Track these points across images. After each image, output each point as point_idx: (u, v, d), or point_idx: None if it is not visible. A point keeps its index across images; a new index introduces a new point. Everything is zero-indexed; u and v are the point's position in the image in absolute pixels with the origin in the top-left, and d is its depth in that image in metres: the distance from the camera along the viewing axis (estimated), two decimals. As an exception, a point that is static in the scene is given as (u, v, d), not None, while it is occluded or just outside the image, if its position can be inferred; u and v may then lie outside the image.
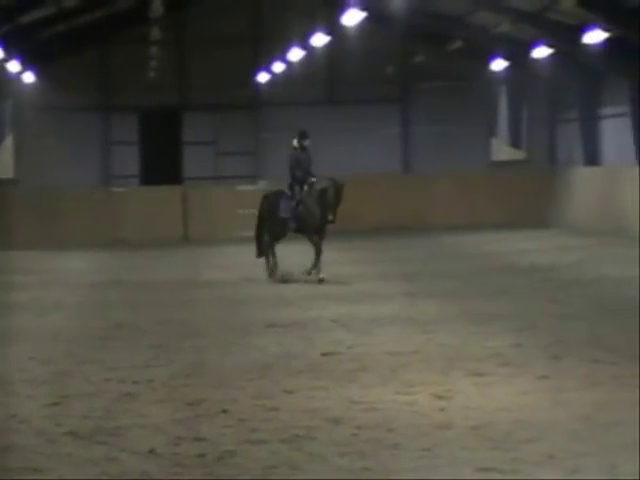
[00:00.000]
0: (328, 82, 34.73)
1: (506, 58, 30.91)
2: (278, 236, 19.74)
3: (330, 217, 18.70)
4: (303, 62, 31.78)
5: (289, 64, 32.32)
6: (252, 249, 28.44)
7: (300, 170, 19.20)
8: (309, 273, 19.02)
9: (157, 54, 33.16)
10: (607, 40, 24.90)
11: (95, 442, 8.20)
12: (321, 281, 18.58)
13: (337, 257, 25.10)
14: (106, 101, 34.16)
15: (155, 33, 30.97)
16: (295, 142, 19.39)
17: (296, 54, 31.10)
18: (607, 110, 29.82)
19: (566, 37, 26.80)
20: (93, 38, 33.13)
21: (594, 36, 24.71)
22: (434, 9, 31.26)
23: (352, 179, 33.29)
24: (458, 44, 31.38)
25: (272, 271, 19.65)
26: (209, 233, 31.77)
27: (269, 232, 19.77)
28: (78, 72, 33.62)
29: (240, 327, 14.08)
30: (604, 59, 27.08)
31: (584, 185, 30.45)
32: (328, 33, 28.14)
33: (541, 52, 28.37)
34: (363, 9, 23.45)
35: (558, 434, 7.95)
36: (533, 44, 28.27)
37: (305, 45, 30.08)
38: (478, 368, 10.60)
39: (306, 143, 19.29)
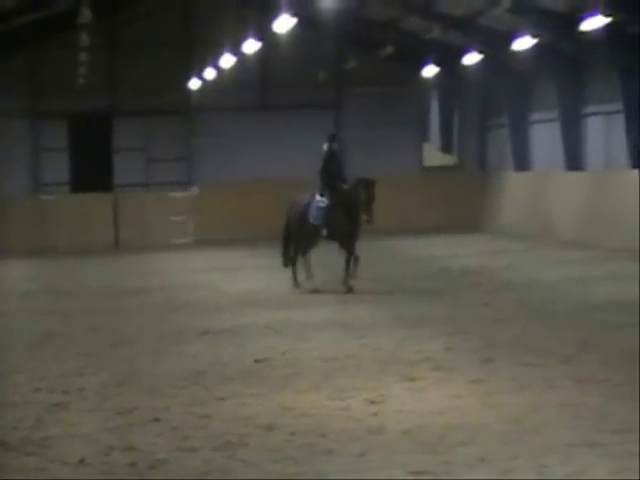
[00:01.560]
0: (260, 88, 34.70)
1: (437, 64, 31.12)
2: (309, 244, 18.55)
3: (366, 217, 17.61)
4: (235, 68, 31.72)
5: (221, 70, 32.24)
6: (184, 255, 28.43)
7: (330, 175, 18.14)
8: (348, 282, 17.75)
9: (87, 59, 32.84)
10: (536, 46, 25.19)
11: (25, 453, 8.08)
12: (349, 290, 17.47)
13: (271, 263, 25.08)
14: (35, 107, 33.78)
15: (85, 38, 30.69)
16: (325, 146, 18.45)
17: (228, 60, 31.03)
18: (537, 115, 30.15)
19: (496, 43, 27.06)
20: (21, 43, 32.75)
21: (524, 42, 24.98)
22: (365, 15, 31.39)
23: (286, 184, 33.39)
24: (390, 50, 31.53)
25: (296, 280, 18.44)
26: (141, 240, 31.56)
27: (298, 240, 18.58)
28: (6, 77, 33.20)
29: (172, 334, 13.99)
30: (534, 65, 27.39)
31: (514, 190, 30.75)
32: (260, 39, 28.10)
33: (472, 58, 28.60)
34: (294, 15, 23.44)
35: (489, 437, 8.00)
36: (464, 50, 28.49)
37: (237, 51, 30.02)
38: (410, 372, 10.65)
39: (335, 147, 18.38)
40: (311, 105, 34.40)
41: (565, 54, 26.47)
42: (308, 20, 29.90)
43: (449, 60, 30.31)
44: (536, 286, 17.63)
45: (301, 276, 18.48)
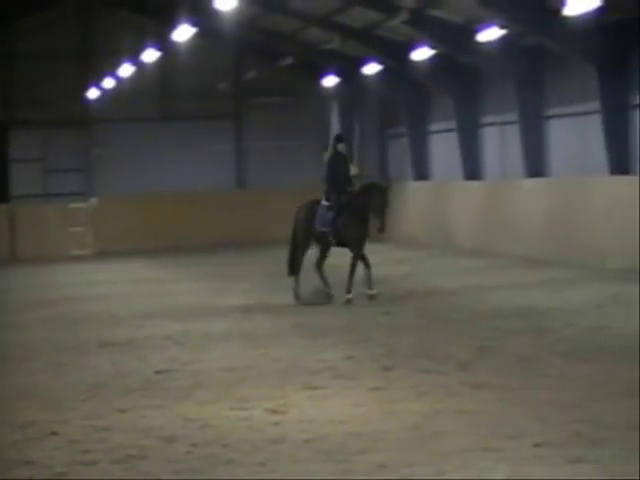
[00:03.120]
0: (160, 98, 34.52)
1: (337, 74, 31.33)
2: (321, 253, 17.54)
3: (379, 225, 16.75)
4: (134, 78, 31.51)
5: (120, 80, 32.00)
6: (84, 267, 28.11)
7: (336, 178, 17.07)
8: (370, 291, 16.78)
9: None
10: (434, 57, 25.52)
11: None
12: (372, 298, 16.65)
13: (171, 273, 24.95)
14: None
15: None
16: (329, 149, 17.45)
17: (127, 70, 30.82)
18: (435, 126, 30.53)
19: (395, 54, 27.35)
20: None
21: (422, 53, 25.29)
22: (265, 25, 31.44)
23: (186, 195, 33.27)
24: (290, 60, 31.65)
25: (329, 295, 17.20)
26: (39, 252, 31.13)
27: (305, 248, 17.53)
28: None
29: (72, 347, 13.86)
30: (432, 76, 27.73)
31: (414, 199, 31.08)
32: (159, 49, 27.98)
33: (371, 68, 28.86)
34: (194, 25, 23.41)
35: (389, 444, 8.08)
36: (363, 60, 28.73)
37: (136, 61, 29.84)
38: (312, 381, 10.70)
39: (341, 148, 17.22)
40: (212, 116, 34.34)
41: (462, 65, 26.86)
42: (208, 30, 29.87)
43: (349, 70, 30.53)
44: (436, 294, 17.83)
45: (302, 289, 17.43)
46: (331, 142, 17.54)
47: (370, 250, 28.49)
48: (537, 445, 7.77)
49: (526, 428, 8.31)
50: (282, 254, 28.82)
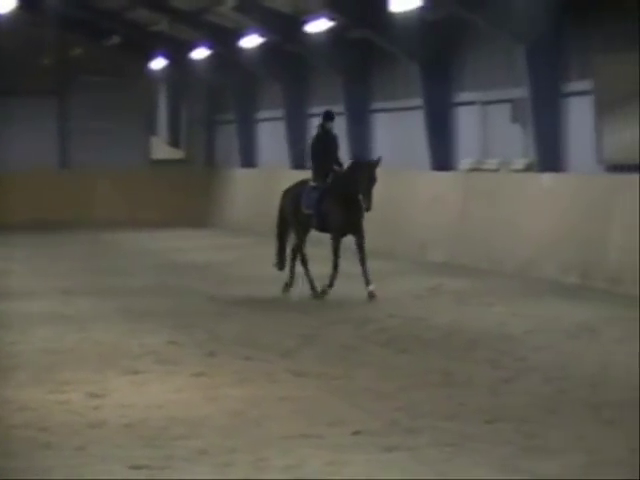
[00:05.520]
0: (-20, 71, 33.48)
1: (165, 57, 31.10)
2: (302, 238, 16.01)
3: (366, 204, 15.11)
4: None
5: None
6: None
7: (323, 158, 15.70)
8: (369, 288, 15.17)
9: None
10: (264, 45, 25.64)
11: None
12: (372, 295, 15.09)
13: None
14: None
15: None
16: (318, 126, 16.12)
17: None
18: (263, 114, 30.65)
19: (224, 40, 27.34)
20: None
21: (251, 40, 25.37)
22: (91, 1, 30.90)
23: (6, 174, 32.42)
24: (116, 39, 31.22)
25: (289, 285, 15.80)
26: None
27: (293, 234, 16.12)
28: None
29: None
30: (261, 63, 27.85)
31: (241, 186, 31.15)
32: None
33: (200, 53, 28.76)
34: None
35: (210, 430, 8.13)
36: (192, 44, 28.61)
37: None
38: (134, 366, 10.65)
39: (329, 126, 15.85)
40: (34, 92, 33.51)
41: (291, 55, 27.06)
42: (31, 2, 29.13)
43: (177, 54, 30.35)
44: (259, 282, 17.89)
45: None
46: (320, 119, 16.16)
47: (195, 235, 28.56)
48: (356, 433, 7.94)
49: (345, 416, 8.49)
50: (103, 237, 28.55)
